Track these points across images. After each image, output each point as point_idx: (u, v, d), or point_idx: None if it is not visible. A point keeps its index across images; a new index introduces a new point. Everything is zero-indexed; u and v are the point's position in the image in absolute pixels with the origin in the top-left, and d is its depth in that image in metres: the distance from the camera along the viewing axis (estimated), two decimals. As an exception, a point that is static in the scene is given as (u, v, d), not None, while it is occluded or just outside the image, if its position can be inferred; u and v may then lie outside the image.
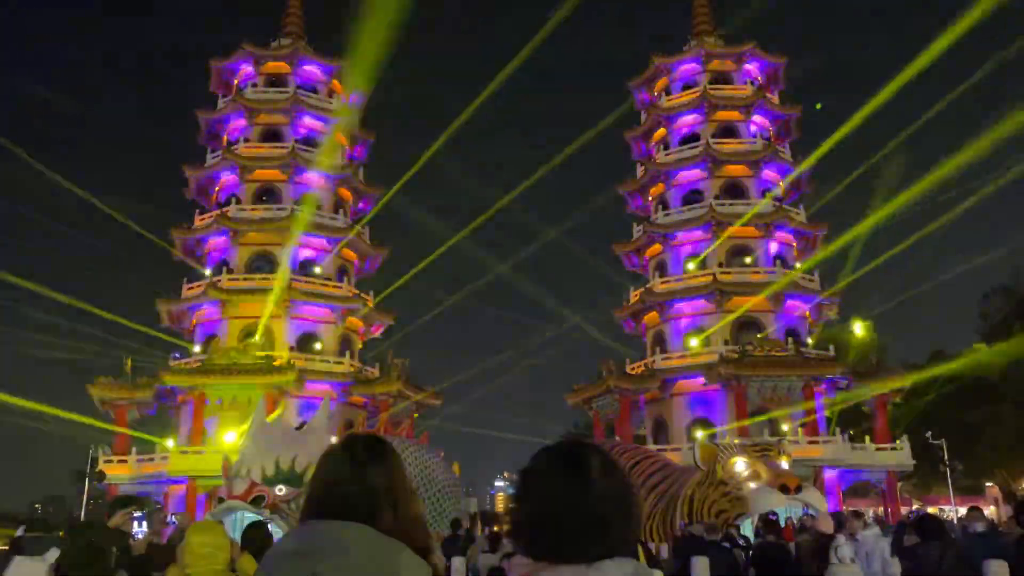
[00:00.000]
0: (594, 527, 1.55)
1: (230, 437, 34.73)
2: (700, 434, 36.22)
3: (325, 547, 1.70)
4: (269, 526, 7.06)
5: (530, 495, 1.61)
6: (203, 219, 43.35)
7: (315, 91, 46.74)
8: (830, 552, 8.44)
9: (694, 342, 41.10)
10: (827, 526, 9.68)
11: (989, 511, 46.75)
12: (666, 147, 46.40)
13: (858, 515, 9.14)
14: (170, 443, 37.53)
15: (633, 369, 41.95)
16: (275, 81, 46.32)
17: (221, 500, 13.30)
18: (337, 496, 1.80)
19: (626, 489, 1.61)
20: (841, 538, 8.73)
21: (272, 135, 44.89)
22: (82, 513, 36.71)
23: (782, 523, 16.00)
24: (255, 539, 5.72)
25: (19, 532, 8.55)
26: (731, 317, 40.41)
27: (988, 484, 51.61)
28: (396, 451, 1.90)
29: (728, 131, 45.50)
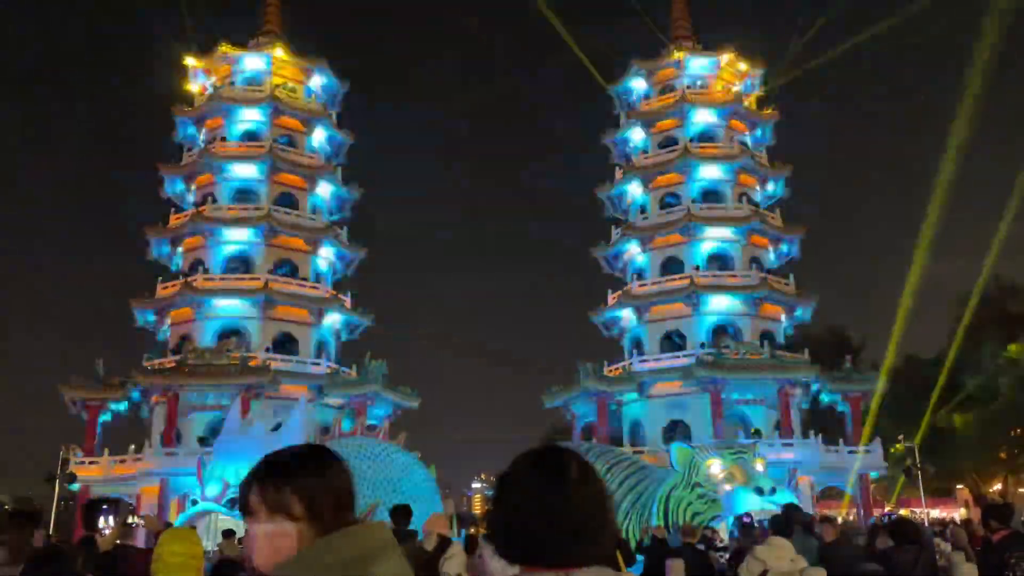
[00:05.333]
0: (573, 533, 1.55)
1: (204, 439, 34.41)
2: (676, 437, 36.41)
3: None
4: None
5: (509, 500, 1.60)
6: (179, 218, 42.93)
7: (293, 90, 46.50)
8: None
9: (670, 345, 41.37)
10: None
11: (959, 513, 47.42)
12: (645, 151, 46.67)
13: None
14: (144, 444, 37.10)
15: (610, 371, 42.09)
16: (253, 80, 46.03)
17: (195, 502, 13.19)
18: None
19: (604, 495, 1.62)
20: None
21: (249, 134, 44.59)
22: (52, 515, 36.14)
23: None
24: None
25: None
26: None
27: (958, 487, 52.32)
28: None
29: (707, 136, 45.87)
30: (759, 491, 18.12)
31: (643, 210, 45.41)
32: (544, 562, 1.54)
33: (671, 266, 43.20)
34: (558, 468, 1.59)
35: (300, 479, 1.70)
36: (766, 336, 40.79)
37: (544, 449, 1.67)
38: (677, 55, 47.43)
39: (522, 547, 1.56)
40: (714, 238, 42.95)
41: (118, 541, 7.70)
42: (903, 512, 40.12)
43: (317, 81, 47.67)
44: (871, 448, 37.85)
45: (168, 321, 41.44)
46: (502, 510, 1.61)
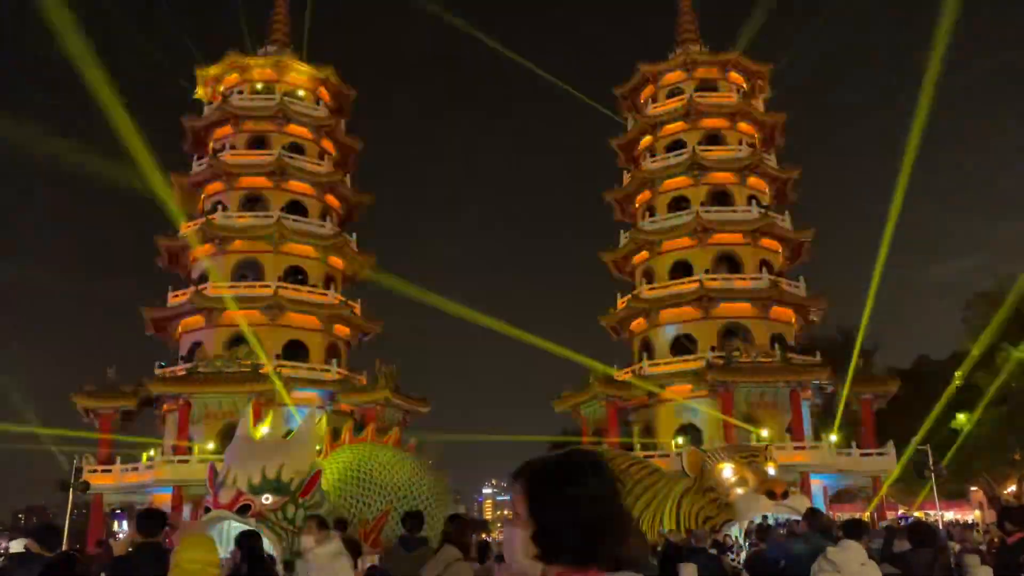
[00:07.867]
0: (599, 534, 1.57)
1: (216, 446, 34.50)
2: (687, 440, 36.28)
3: None
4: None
5: (553, 502, 1.61)
6: (189, 227, 43.13)
7: (301, 98, 46.70)
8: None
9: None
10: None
11: (974, 515, 47.07)
12: (652, 154, 46.62)
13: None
14: (156, 452, 37.23)
15: (621, 375, 42.00)
16: (262, 88, 46.26)
17: (207, 510, 13.18)
18: None
19: (622, 499, 1.65)
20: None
21: (258, 142, 44.77)
22: (66, 524, 36.29)
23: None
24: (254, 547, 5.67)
25: (19, 546, 7.30)
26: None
27: (972, 489, 51.91)
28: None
29: (714, 139, 45.78)
30: (771, 495, 18.01)
31: (651, 214, 45.34)
32: (588, 564, 1.55)
33: (680, 269, 43.11)
34: (598, 472, 1.62)
35: None
36: (777, 339, 40.63)
37: (583, 453, 1.68)
38: (683, 58, 47.40)
39: (565, 548, 1.57)
40: (723, 242, 42.83)
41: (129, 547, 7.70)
42: (917, 514, 39.88)
43: (325, 89, 47.86)
44: (884, 450, 37.61)
45: (179, 329, 41.63)
46: (545, 513, 1.60)
